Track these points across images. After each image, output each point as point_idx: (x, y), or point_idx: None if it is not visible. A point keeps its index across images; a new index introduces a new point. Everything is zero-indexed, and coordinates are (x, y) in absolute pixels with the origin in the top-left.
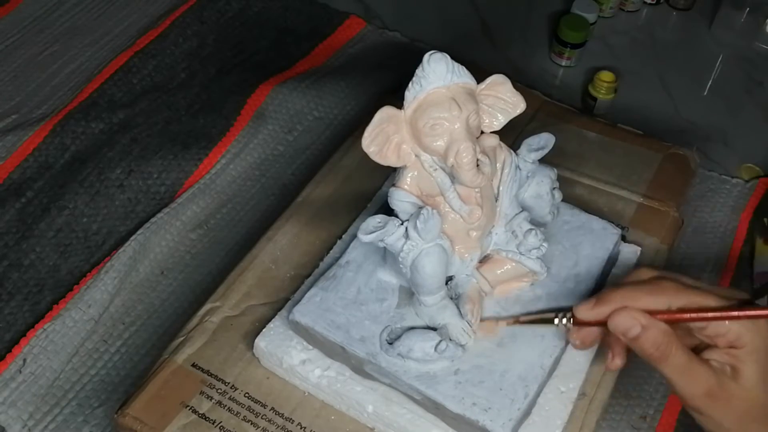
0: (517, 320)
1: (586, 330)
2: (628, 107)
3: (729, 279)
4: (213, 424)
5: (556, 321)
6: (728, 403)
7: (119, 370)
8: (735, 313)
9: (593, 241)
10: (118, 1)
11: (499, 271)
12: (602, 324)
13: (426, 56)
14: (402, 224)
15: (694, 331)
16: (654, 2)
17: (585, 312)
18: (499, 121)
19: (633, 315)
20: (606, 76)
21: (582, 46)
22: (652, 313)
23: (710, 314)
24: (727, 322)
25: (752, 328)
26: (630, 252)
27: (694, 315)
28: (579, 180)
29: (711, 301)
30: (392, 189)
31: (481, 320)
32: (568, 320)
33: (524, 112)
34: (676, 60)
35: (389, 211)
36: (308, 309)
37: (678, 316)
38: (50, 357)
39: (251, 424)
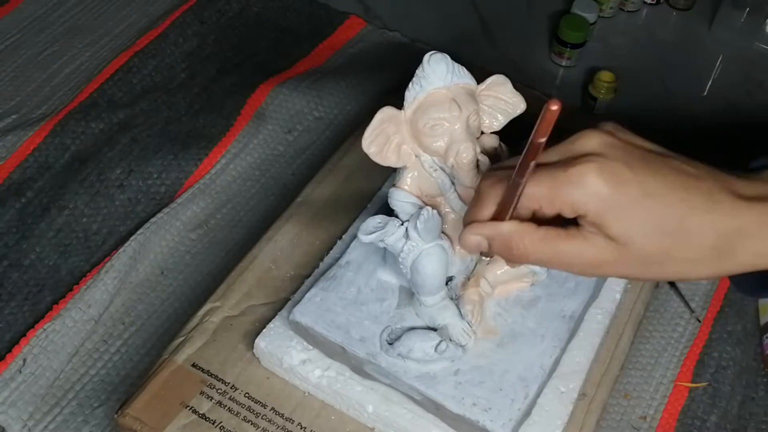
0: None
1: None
2: (628, 107)
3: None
4: (213, 424)
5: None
6: (619, 263)
7: (119, 370)
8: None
9: None
10: (118, 1)
11: (499, 272)
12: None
13: (426, 56)
14: (402, 224)
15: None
16: (654, 2)
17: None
18: (499, 122)
19: (473, 231)
20: (606, 76)
21: (582, 46)
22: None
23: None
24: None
25: (584, 191)
26: None
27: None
28: None
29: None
30: (392, 189)
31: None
32: None
33: (524, 112)
34: (676, 60)
35: (389, 212)
36: (308, 309)
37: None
38: (50, 357)
39: (251, 424)
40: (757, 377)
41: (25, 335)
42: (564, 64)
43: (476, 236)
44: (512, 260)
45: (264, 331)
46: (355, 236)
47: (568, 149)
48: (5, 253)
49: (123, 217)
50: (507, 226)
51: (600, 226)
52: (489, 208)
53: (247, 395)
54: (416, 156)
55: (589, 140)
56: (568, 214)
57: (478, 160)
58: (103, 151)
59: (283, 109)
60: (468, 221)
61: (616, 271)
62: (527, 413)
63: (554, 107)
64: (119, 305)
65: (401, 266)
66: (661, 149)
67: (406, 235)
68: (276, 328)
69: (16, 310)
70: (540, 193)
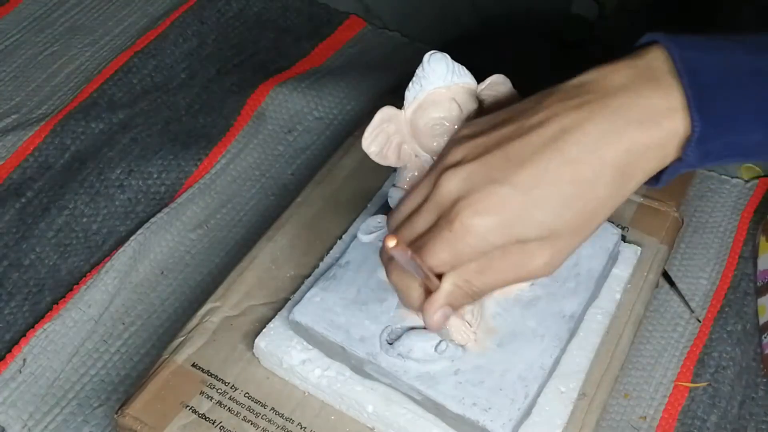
0: None
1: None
2: None
3: (729, 279)
4: (213, 424)
5: None
6: (561, 250)
7: (119, 370)
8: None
9: (593, 241)
10: (118, 1)
11: None
12: None
13: (426, 56)
14: None
15: None
16: None
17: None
18: None
19: (431, 312)
20: None
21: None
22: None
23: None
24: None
25: (482, 238)
26: (630, 252)
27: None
28: None
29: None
30: (392, 189)
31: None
32: None
33: None
34: None
35: (389, 211)
36: (308, 309)
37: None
38: (50, 357)
39: (251, 424)
40: (757, 377)
41: (25, 335)
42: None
43: (437, 314)
44: (480, 297)
45: (264, 331)
46: (355, 236)
47: (435, 202)
48: (5, 253)
49: (123, 217)
50: (446, 285)
51: (519, 242)
52: (418, 291)
53: (247, 395)
54: (416, 156)
55: (449, 181)
56: (481, 255)
57: None
58: (103, 151)
59: (283, 109)
60: (417, 310)
61: (566, 255)
62: (527, 413)
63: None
64: (119, 305)
65: None
66: (509, 110)
67: None
68: (276, 328)
69: (16, 310)
70: (443, 261)
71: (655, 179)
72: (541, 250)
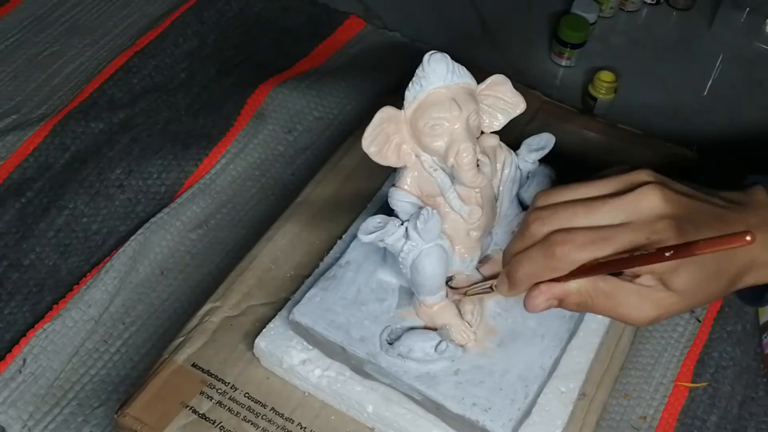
0: (464, 293)
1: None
2: (628, 107)
3: None
4: (213, 424)
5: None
6: (672, 310)
7: (119, 370)
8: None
9: None
10: (118, 1)
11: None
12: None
13: (426, 56)
14: (402, 224)
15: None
16: (654, 2)
17: (504, 295)
18: (499, 122)
19: (546, 296)
20: (606, 76)
21: (582, 46)
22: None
23: (624, 260)
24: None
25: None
26: None
27: (608, 266)
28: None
29: (617, 242)
30: (392, 189)
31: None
32: None
33: (524, 112)
34: (676, 60)
35: (389, 211)
36: (308, 309)
37: (590, 271)
38: (50, 357)
39: (251, 424)
40: (757, 377)
41: (25, 335)
42: (564, 64)
43: (548, 301)
44: (580, 311)
45: (264, 331)
46: (355, 236)
47: (633, 206)
48: (5, 253)
49: (123, 217)
50: (576, 285)
51: (665, 280)
52: (561, 274)
53: (247, 395)
54: (416, 156)
55: (654, 195)
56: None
57: (478, 160)
58: (103, 151)
59: (283, 109)
60: (532, 281)
61: (667, 316)
62: (527, 413)
63: (748, 237)
64: (119, 305)
65: (401, 266)
66: (692, 189)
67: (406, 235)
68: (276, 328)
69: (16, 310)
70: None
71: (759, 299)
72: (660, 302)
